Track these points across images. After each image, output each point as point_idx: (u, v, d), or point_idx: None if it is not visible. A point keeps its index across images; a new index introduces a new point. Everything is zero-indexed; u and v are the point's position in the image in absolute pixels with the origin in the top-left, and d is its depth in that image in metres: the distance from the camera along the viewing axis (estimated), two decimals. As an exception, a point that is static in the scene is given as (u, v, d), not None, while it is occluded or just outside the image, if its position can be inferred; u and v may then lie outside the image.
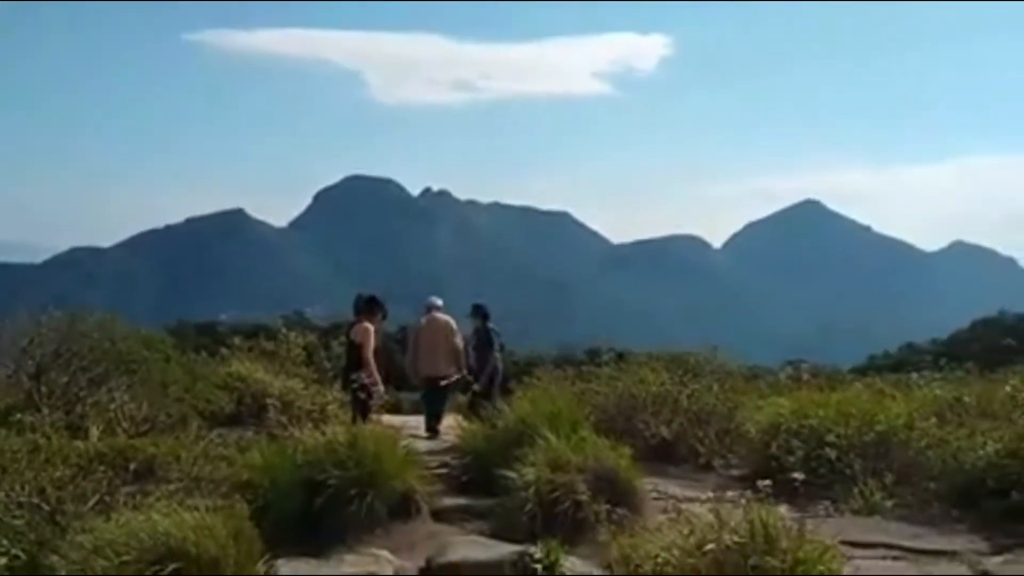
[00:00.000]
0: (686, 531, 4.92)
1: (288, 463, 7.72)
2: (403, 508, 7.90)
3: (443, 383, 12.78)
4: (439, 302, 13.49)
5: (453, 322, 13.12)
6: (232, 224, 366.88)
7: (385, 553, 6.85)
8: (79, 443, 5.55)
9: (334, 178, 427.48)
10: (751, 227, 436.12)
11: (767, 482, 5.10)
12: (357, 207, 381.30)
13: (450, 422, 11.94)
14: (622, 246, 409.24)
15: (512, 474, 7.66)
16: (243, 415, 11.52)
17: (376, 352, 10.92)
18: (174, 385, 9.38)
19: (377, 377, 10.80)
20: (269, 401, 11.24)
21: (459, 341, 12.96)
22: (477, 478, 8.57)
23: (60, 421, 9.58)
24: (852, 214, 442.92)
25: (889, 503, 7.91)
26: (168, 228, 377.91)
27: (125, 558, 4.77)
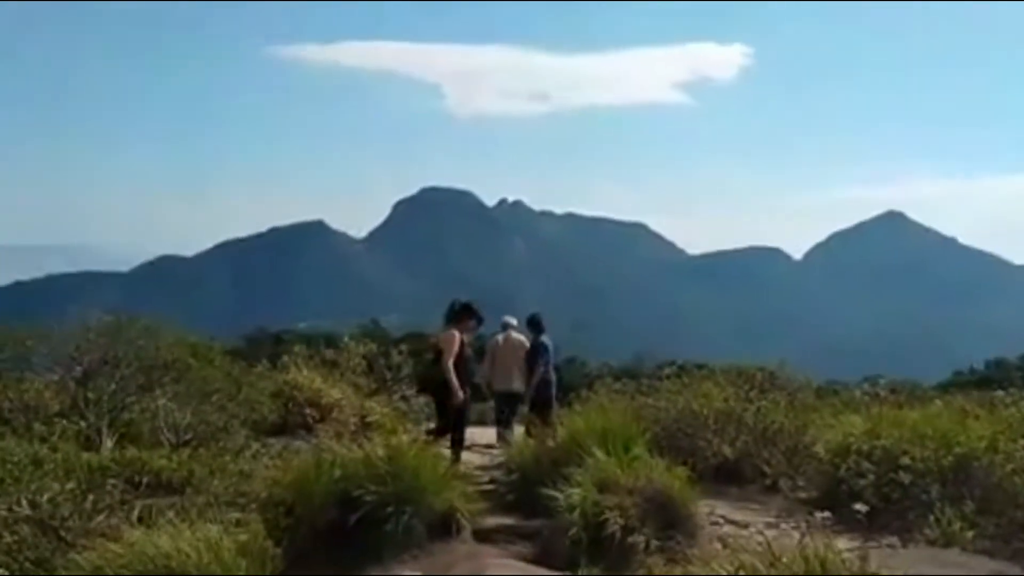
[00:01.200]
0: (735, 565, 4.40)
1: (323, 477, 7.37)
2: (443, 527, 7.49)
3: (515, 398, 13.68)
4: (513, 321, 14.28)
5: (526, 341, 13.85)
6: (312, 234, 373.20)
7: (417, 574, 6.45)
8: (89, 455, 5.25)
9: (412, 189, 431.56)
10: (832, 239, 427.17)
11: (827, 513, 4.54)
12: (433, 218, 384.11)
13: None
14: (698, 257, 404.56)
15: (558, 494, 7.21)
16: (292, 425, 11.29)
17: (458, 360, 10.63)
18: (217, 393, 9.15)
19: (455, 385, 10.54)
20: (308, 412, 10.94)
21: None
22: (524, 497, 8.12)
23: (105, 427, 9.50)
24: (936, 225, 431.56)
25: (969, 534, 7.23)
26: (250, 237, 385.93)
27: (124, 581, 4.47)
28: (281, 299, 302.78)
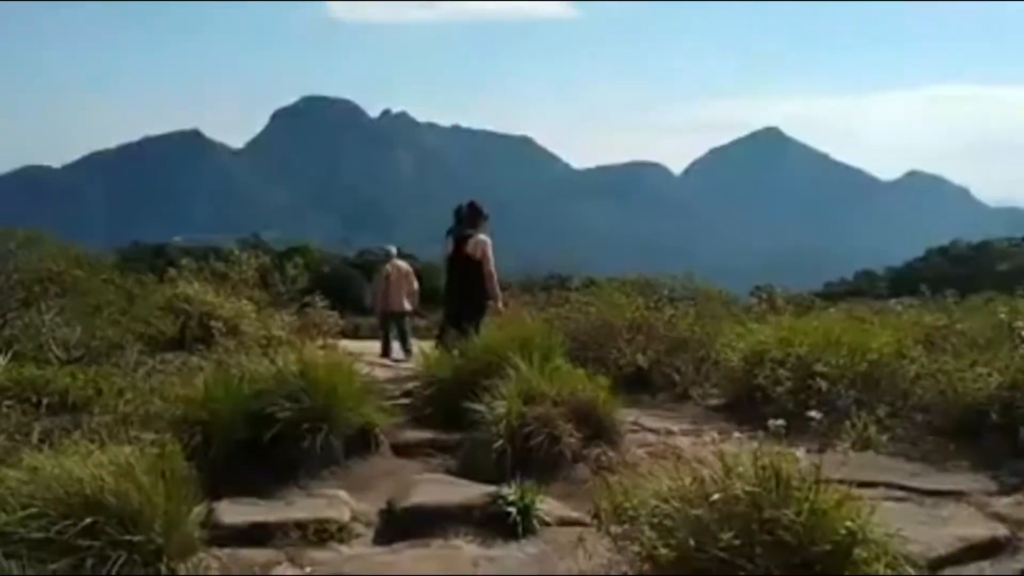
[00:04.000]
0: (688, 478, 4.28)
1: (233, 394, 6.98)
2: (361, 443, 7.23)
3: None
4: (394, 250, 16.93)
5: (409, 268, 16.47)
6: (188, 144, 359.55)
7: (341, 493, 6.19)
8: None
9: (292, 98, 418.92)
10: (712, 154, 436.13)
11: (780, 422, 4.45)
12: (314, 128, 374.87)
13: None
14: (584, 172, 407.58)
15: (480, 407, 7.02)
16: (188, 340, 10.73)
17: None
18: (109, 307, 8.55)
19: (498, 292, 10.42)
20: (214, 325, 10.42)
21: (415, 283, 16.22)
22: (442, 410, 7.90)
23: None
24: (812, 142, 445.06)
25: (884, 437, 7.39)
26: (121, 148, 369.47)
27: (30, 511, 4.05)
28: (157, 212, 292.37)
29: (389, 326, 16.16)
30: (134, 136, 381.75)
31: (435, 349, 9.92)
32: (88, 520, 4.06)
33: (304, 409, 6.90)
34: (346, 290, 32.61)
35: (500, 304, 10.57)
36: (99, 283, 8.99)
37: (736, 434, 5.43)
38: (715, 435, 5.16)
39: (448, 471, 6.91)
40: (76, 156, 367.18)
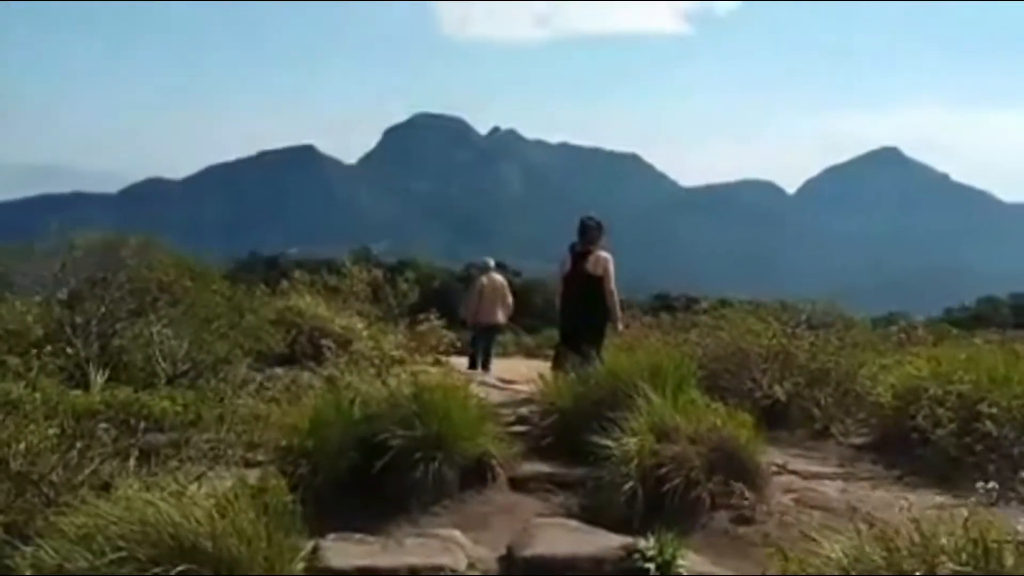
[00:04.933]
0: (874, 547, 3.55)
1: (344, 418, 6.52)
2: (476, 475, 6.69)
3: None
4: (492, 262, 16.51)
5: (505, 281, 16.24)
6: (303, 159, 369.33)
7: (456, 534, 5.62)
8: (76, 394, 4.33)
9: (403, 116, 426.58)
10: (827, 173, 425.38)
11: (992, 484, 3.69)
12: (425, 145, 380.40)
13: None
14: (692, 190, 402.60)
15: (607, 442, 6.37)
16: (298, 354, 10.40)
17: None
18: (219, 320, 8.23)
19: (619, 312, 9.82)
20: (324, 343, 10.06)
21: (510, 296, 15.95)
22: (563, 442, 7.26)
23: (94, 357, 8.61)
24: (932, 161, 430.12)
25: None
26: (239, 162, 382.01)
27: (119, 554, 3.60)
28: (271, 224, 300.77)
29: (480, 339, 15.80)
30: (252, 151, 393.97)
31: (553, 372, 9.32)
32: (181, 567, 3.59)
33: (417, 437, 6.40)
34: (454, 305, 32.27)
35: (621, 325, 9.88)
36: (209, 295, 8.66)
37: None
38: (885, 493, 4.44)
39: (569, 512, 6.28)
40: (196, 169, 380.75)
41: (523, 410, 8.61)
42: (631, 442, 6.17)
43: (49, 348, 8.52)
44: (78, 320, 8.86)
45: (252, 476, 4.71)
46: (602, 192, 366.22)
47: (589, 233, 9.86)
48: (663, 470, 6.05)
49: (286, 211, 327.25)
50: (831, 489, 6.87)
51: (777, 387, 8.67)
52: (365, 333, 12.58)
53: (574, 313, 9.72)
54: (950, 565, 3.34)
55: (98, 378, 5.63)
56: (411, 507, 6.24)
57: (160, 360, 8.49)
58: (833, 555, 3.74)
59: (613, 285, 9.71)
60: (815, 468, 7.44)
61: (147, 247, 8.85)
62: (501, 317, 15.86)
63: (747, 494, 6.17)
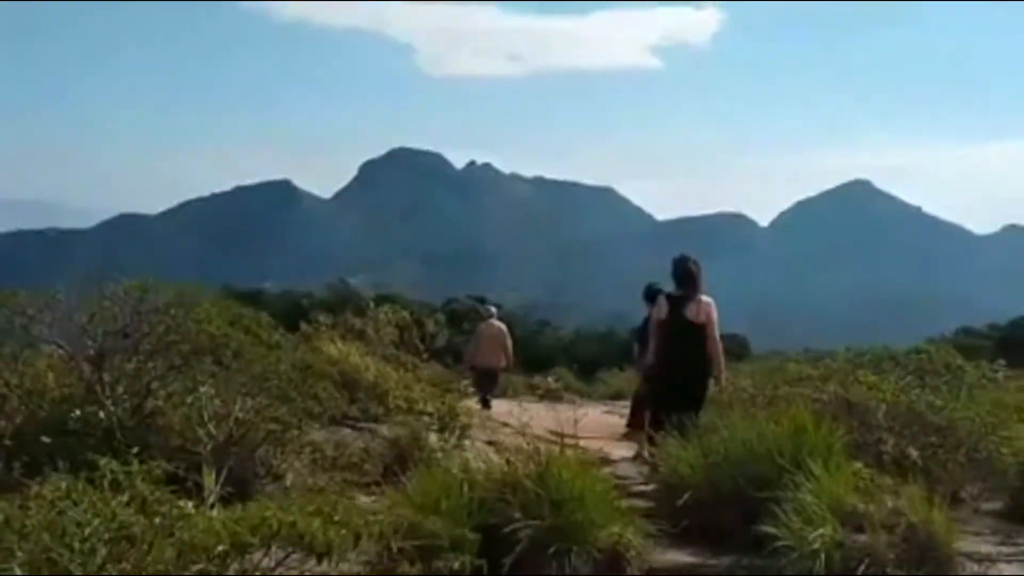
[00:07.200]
0: None
1: (452, 504, 5.43)
2: (610, 566, 5.61)
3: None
4: (494, 310, 18.41)
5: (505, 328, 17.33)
6: (279, 194, 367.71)
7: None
8: (182, 504, 3.18)
9: (380, 150, 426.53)
10: (799, 206, 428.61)
11: None
12: (402, 179, 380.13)
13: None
14: (667, 223, 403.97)
15: (776, 530, 5.32)
16: (349, 413, 9.29)
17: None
18: (279, 378, 7.12)
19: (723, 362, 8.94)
20: (394, 399, 9.00)
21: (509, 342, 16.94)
22: (699, 524, 6.20)
23: (127, 418, 7.48)
24: (903, 194, 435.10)
25: None
26: (214, 196, 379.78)
27: None
28: (247, 258, 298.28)
29: (483, 382, 16.38)
30: (228, 185, 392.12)
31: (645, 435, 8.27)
32: None
33: (547, 527, 5.32)
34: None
35: (724, 378, 8.86)
36: (263, 348, 7.55)
37: None
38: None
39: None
40: (171, 204, 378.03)
41: (628, 469, 7.60)
42: (817, 532, 5.10)
43: (78, 412, 7.46)
44: (106, 378, 7.72)
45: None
46: (579, 225, 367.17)
47: (688, 275, 8.86)
48: (856, 566, 5.01)
49: (262, 245, 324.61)
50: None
51: (912, 449, 7.66)
52: (397, 380, 11.53)
53: (673, 366, 8.67)
54: None
55: (211, 482, 4.46)
56: (542, 610, 5.17)
57: (205, 423, 7.36)
58: None
59: (717, 333, 8.70)
60: (983, 547, 6.43)
61: (190, 294, 7.74)
62: (501, 362, 16.91)
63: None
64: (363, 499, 6.04)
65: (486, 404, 15.31)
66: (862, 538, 5.19)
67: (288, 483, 7.49)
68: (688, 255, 9.12)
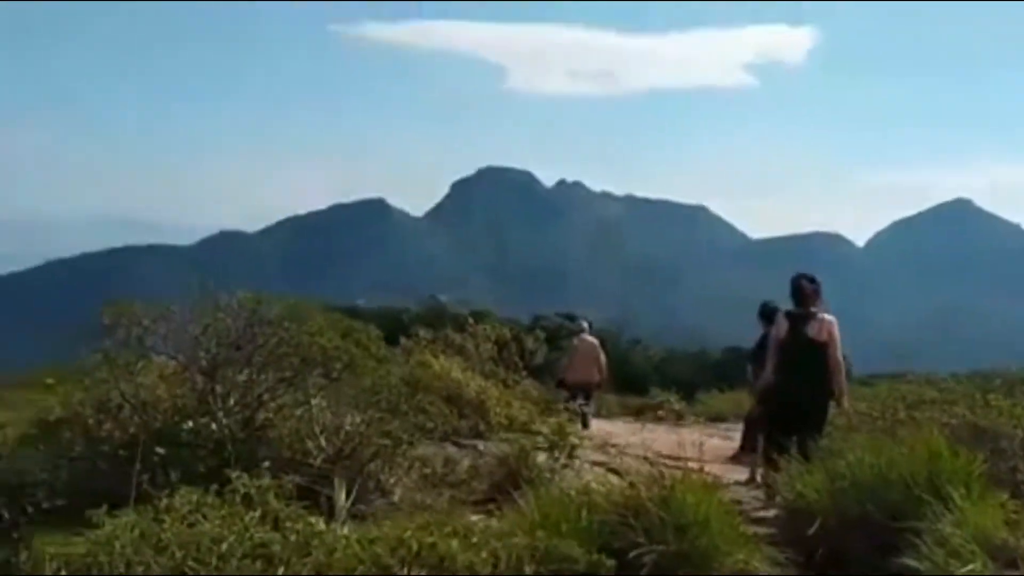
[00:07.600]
0: None
1: (572, 526, 5.24)
2: (734, 598, 5.35)
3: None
4: (586, 324, 17.67)
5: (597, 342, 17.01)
6: (373, 212, 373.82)
7: None
8: (313, 521, 3.05)
9: (471, 169, 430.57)
10: (896, 225, 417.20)
11: None
12: (492, 198, 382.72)
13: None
14: (761, 241, 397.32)
15: (918, 563, 4.99)
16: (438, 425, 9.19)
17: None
18: (390, 391, 7.05)
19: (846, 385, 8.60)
20: (495, 416, 8.87)
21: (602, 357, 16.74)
22: (826, 553, 5.88)
23: (239, 430, 7.52)
24: (1006, 213, 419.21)
25: None
26: (311, 214, 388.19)
27: None
28: (341, 275, 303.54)
29: (576, 398, 15.82)
30: (324, 204, 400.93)
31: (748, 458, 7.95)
32: None
33: (671, 553, 5.09)
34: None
35: (847, 401, 8.48)
36: (374, 364, 7.50)
37: None
38: None
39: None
40: (269, 222, 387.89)
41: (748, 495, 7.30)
42: (967, 568, 4.76)
43: (191, 423, 7.52)
44: (219, 389, 7.78)
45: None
46: (670, 244, 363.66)
47: (806, 293, 8.53)
48: (1009, 607, 4.66)
49: (356, 262, 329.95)
50: None
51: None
52: (494, 398, 11.41)
53: (794, 386, 8.32)
54: None
55: (343, 499, 4.36)
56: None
57: (316, 436, 7.35)
58: None
59: (839, 354, 8.34)
60: None
61: (302, 308, 7.74)
62: (595, 377, 16.64)
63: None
64: (473, 518, 5.89)
65: (584, 423, 14.83)
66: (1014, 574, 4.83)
67: (396, 499, 7.42)
68: (806, 273, 8.79)
